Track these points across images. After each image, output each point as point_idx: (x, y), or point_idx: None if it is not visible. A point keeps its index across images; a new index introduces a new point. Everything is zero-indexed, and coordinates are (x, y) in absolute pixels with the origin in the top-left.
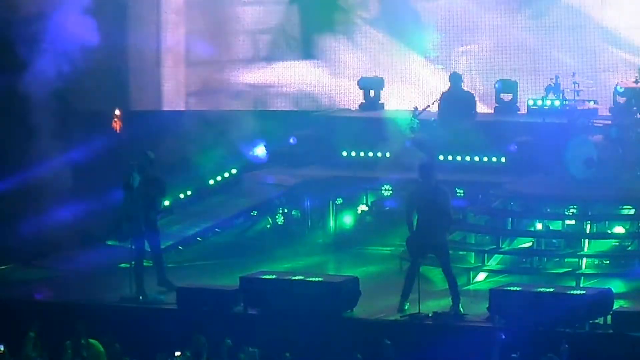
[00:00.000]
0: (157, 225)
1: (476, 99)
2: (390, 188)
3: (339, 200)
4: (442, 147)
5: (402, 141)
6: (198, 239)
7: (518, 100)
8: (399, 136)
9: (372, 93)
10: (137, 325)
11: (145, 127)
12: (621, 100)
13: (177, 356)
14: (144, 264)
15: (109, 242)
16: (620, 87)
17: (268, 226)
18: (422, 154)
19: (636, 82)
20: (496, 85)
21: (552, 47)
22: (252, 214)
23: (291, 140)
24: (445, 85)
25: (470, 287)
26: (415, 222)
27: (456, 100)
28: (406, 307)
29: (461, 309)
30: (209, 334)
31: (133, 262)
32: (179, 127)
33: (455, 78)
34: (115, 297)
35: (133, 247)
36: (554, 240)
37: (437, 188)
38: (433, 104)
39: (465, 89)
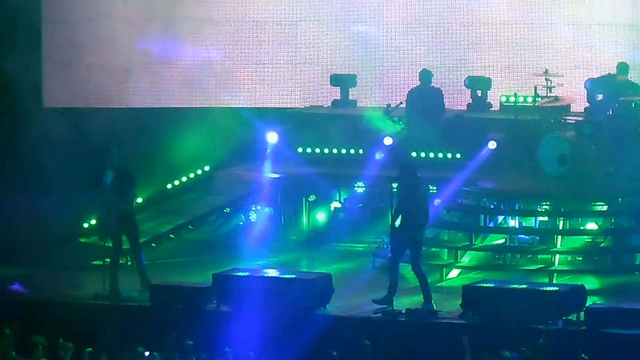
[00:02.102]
0: (135, 220)
1: (444, 94)
2: (364, 185)
3: (312, 197)
4: (413, 144)
5: (379, 139)
6: (171, 236)
7: (487, 97)
8: (375, 133)
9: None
10: (110, 322)
11: (115, 124)
12: (595, 95)
13: (146, 356)
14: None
15: (82, 240)
16: (591, 81)
17: (241, 223)
18: (400, 151)
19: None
20: (466, 82)
21: (525, 44)
22: (225, 211)
23: (273, 138)
24: (414, 82)
25: (443, 283)
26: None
27: (424, 96)
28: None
29: (434, 305)
30: (183, 331)
31: (107, 259)
32: (153, 124)
33: (425, 75)
34: (88, 294)
35: (105, 244)
36: (526, 237)
37: (417, 186)
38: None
39: (436, 85)
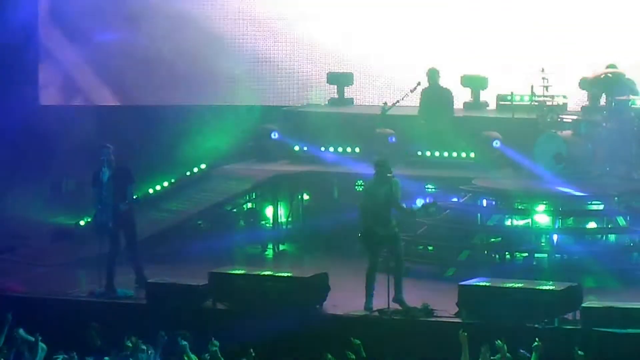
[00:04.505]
0: (133, 217)
1: (453, 95)
2: (362, 183)
3: (308, 195)
4: (423, 144)
5: (380, 136)
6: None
7: (480, 96)
8: (373, 131)
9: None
10: (105, 320)
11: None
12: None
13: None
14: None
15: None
16: (585, 79)
17: (239, 222)
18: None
19: (604, 76)
20: (461, 81)
21: (521, 43)
22: (225, 208)
23: (274, 135)
24: (413, 81)
25: (440, 281)
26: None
27: (435, 96)
28: (371, 305)
29: (403, 300)
30: (178, 329)
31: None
32: (150, 122)
33: (432, 74)
34: (83, 291)
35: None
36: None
37: (390, 181)
38: (402, 99)
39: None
